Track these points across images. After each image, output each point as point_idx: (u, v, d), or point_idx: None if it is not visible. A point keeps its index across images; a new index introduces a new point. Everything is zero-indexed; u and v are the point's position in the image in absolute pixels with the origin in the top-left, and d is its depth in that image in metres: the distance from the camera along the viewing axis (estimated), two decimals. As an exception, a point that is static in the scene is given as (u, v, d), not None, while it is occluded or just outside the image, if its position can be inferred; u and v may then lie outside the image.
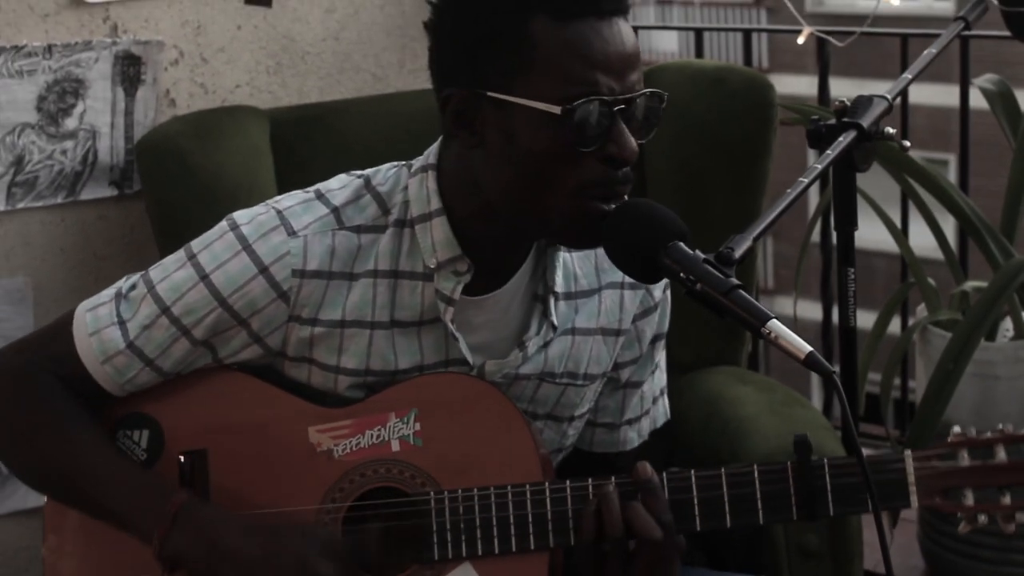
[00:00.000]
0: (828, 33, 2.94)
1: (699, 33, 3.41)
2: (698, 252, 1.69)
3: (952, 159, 11.74)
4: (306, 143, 2.65)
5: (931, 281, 2.76)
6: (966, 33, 2.36)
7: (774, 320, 1.62)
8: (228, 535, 1.74)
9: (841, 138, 2.04)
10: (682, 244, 1.69)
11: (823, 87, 3.16)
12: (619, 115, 1.66)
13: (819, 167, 1.98)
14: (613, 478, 1.75)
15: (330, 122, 2.69)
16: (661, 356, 2.00)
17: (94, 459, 1.81)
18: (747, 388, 2.47)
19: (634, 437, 2.00)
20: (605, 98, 1.65)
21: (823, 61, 3.11)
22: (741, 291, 1.65)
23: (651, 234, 1.70)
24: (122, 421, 1.85)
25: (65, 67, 2.56)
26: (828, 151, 2.02)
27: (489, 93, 1.67)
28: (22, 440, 1.85)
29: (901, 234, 2.85)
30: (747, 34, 3.31)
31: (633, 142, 1.67)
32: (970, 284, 2.74)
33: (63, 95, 2.57)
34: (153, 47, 2.66)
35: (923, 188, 2.69)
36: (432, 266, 1.77)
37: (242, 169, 2.54)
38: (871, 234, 2.82)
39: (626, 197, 1.71)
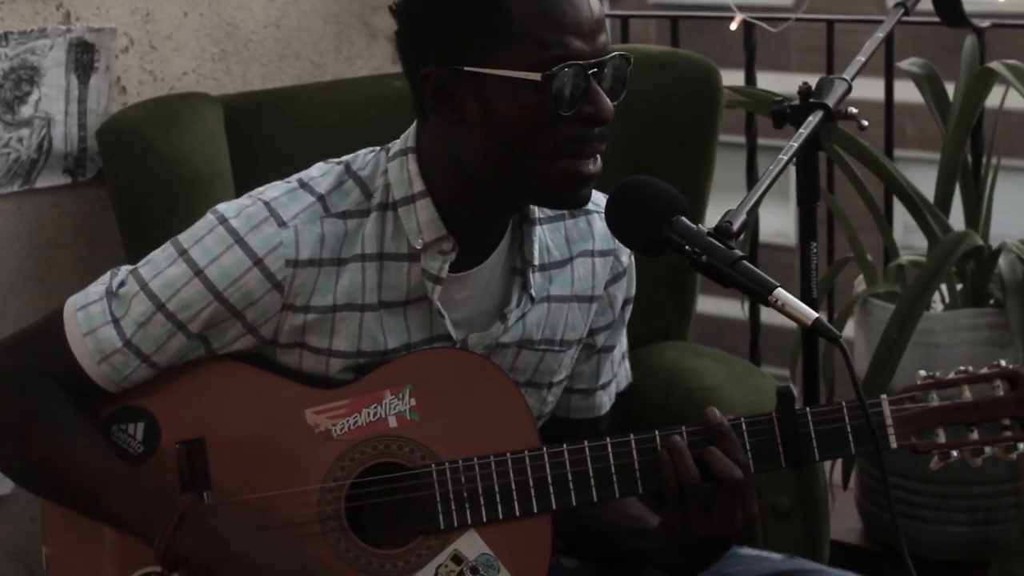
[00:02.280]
0: (760, 19, 3.04)
1: (625, 20, 3.50)
2: (701, 226, 1.77)
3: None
4: (260, 129, 2.68)
5: (868, 257, 2.89)
6: (906, 19, 2.47)
7: (779, 288, 1.72)
8: (235, 540, 1.78)
9: (811, 117, 2.15)
10: (684, 218, 1.78)
11: (750, 72, 3.26)
12: (593, 77, 1.74)
13: (795, 144, 2.09)
14: (683, 427, 1.83)
15: (283, 108, 2.71)
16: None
17: (92, 460, 1.82)
18: (704, 360, 2.56)
19: (607, 401, 2.09)
20: (580, 62, 1.73)
21: (750, 47, 3.21)
22: (745, 262, 1.74)
23: (654, 210, 1.79)
24: (116, 415, 1.87)
25: (21, 55, 2.55)
26: (801, 130, 2.12)
27: (466, 68, 1.74)
28: (17, 442, 1.86)
29: (840, 210, 2.97)
30: (674, 21, 3.40)
31: (608, 102, 1.76)
32: (905, 258, 2.87)
33: (19, 83, 2.57)
34: (106, 34, 2.66)
35: (860, 163, 2.82)
36: (419, 247, 1.83)
37: (202, 155, 2.56)
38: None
39: (599, 158, 1.79)
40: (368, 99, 2.73)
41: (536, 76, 1.72)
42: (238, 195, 1.93)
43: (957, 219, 2.89)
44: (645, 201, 1.80)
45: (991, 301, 2.83)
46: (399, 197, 1.84)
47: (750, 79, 3.24)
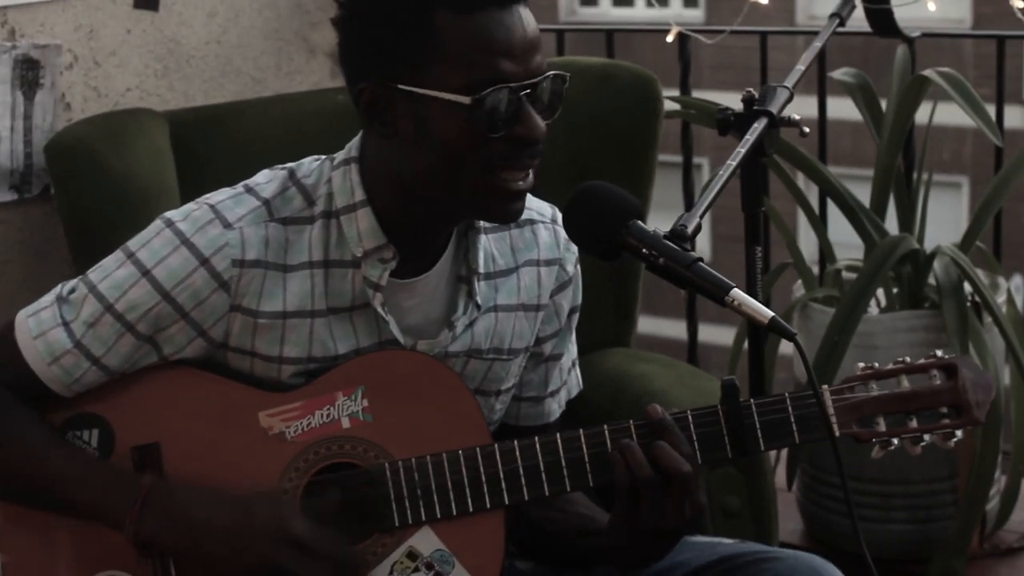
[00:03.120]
0: (696, 31, 3.10)
1: (560, 34, 3.55)
2: (657, 229, 1.82)
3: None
4: (205, 144, 2.69)
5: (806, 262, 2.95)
6: (840, 30, 2.54)
7: (735, 289, 1.76)
8: (200, 510, 1.80)
9: (756, 124, 2.20)
10: (640, 222, 1.82)
11: (684, 84, 3.32)
12: (525, 99, 1.77)
13: (742, 151, 2.14)
14: (631, 421, 1.87)
15: (228, 123, 2.73)
16: (574, 329, 2.13)
17: (51, 454, 1.85)
18: (650, 365, 2.60)
19: (556, 408, 2.12)
20: (511, 85, 1.76)
21: (685, 59, 3.27)
22: (702, 263, 1.79)
23: (611, 215, 1.83)
24: (70, 422, 1.88)
25: (-34, 72, 2.55)
26: (747, 136, 2.17)
27: (399, 86, 1.77)
28: None
29: (780, 218, 3.03)
30: (609, 34, 3.45)
31: (540, 122, 1.79)
32: (842, 262, 2.94)
33: (-35, 100, 2.56)
34: (51, 51, 2.66)
35: (796, 169, 2.88)
36: (359, 255, 1.86)
37: (149, 170, 2.56)
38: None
39: (531, 173, 1.82)
40: (311, 113, 2.75)
41: (466, 99, 1.75)
42: (185, 208, 1.95)
43: (892, 228, 2.96)
44: (602, 206, 1.84)
45: (927, 304, 2.90)
46: (341, 205, 1.87)
47: (684, 91, 3.29)
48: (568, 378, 2.14)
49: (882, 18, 2.72)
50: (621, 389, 2.55)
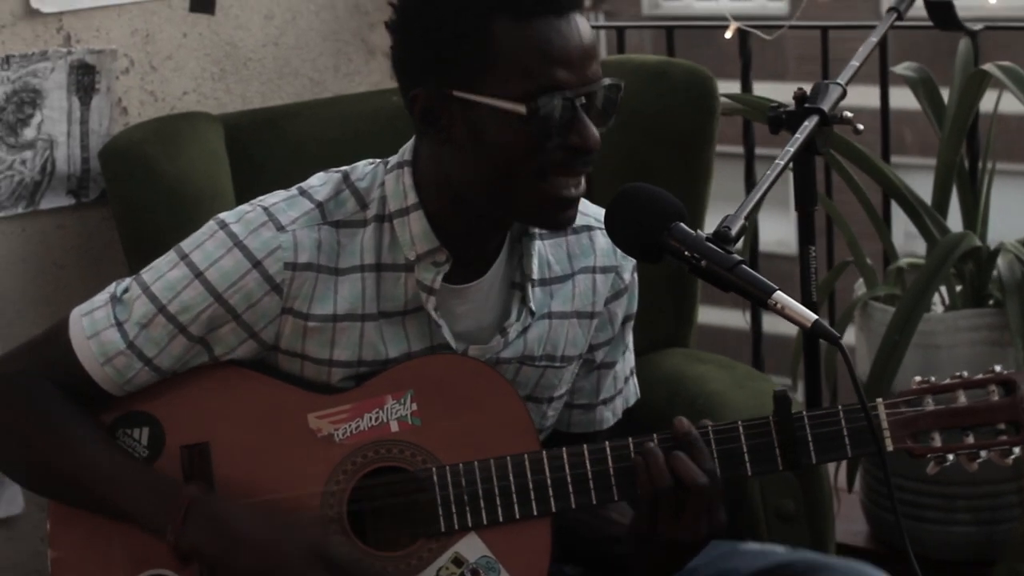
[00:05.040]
0: (754, 27, 3.06)
1: (620, 32, 3.52)
2: (699, 231, 1.79)
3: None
4: (260, 147, 2.70)
5: (868, 260, 2.90)
6: (899, 24, 2.49)
7: (779, 292, 1.73)
8: (240, 524, 1.81)
9: (806, 123, 2.17)
10: (683, 224, 1.80)
11: (745, 79, 3.28)
12: (580, 107, 1.76)
13: (791, 149, 2.10)
14: (655, 434, 1.85)
15: (283, 126, 2.74)
16: (630, 337, 2.10)
17: (98, 458, 1.85)
18: (707, 366, 2.57)
19: (609, 416, 2.10)
20: (567, 93, 1.74)
21: (745, 55, 3.23)
22: (744, 266, 1.76)
23: (653, 216, 1.81)
24: (121, 420, 1.89)
25: (23, 77, 2.58)
26: (796, 135, 2.14)
27: (454, 92, 1.76)
28: (24, 445, 1.89)
29: (840, 215, 2.98)
30: (670, 31, 3.42)
31: (595, 131, 1.78)
32: (904, 260, 2.89)
33: (21, 105, 2.59)
34: (106, 56, 2.68)
35: (856, 167, 2.83)
36: (412, 258, 1.85)
37: (204, 174, 2.58)
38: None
39: (583, 180, 1.82)
40: (367, 114, 2.75)
41: (521, 108, 1.73)
42: (240, 210, 1.95)
43: (955, 223, 2.90)
44: (644, 208, 1.82)
45: (990, 302, 2.85)
46: (394, 209, 1.86)
47: (746, 87, 3.25)
48: (624, 387, 2.11)
49: (944, 12, 2.66)
50: (677, 391, 2.53)
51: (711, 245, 1.78)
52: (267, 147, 2.69)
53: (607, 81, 1.79)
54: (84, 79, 2.66)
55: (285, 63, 2.99)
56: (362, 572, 1.81)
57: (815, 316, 1.71)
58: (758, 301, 1.74)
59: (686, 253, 1.77)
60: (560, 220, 1.83)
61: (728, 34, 2.99)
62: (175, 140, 2.58)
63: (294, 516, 1.83)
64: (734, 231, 1.84)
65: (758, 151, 3.32)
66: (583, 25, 1.78)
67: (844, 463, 3.00)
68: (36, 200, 2.65)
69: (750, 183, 3.35)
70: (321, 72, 3.05)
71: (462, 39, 1.75)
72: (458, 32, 1.75)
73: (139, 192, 2.51)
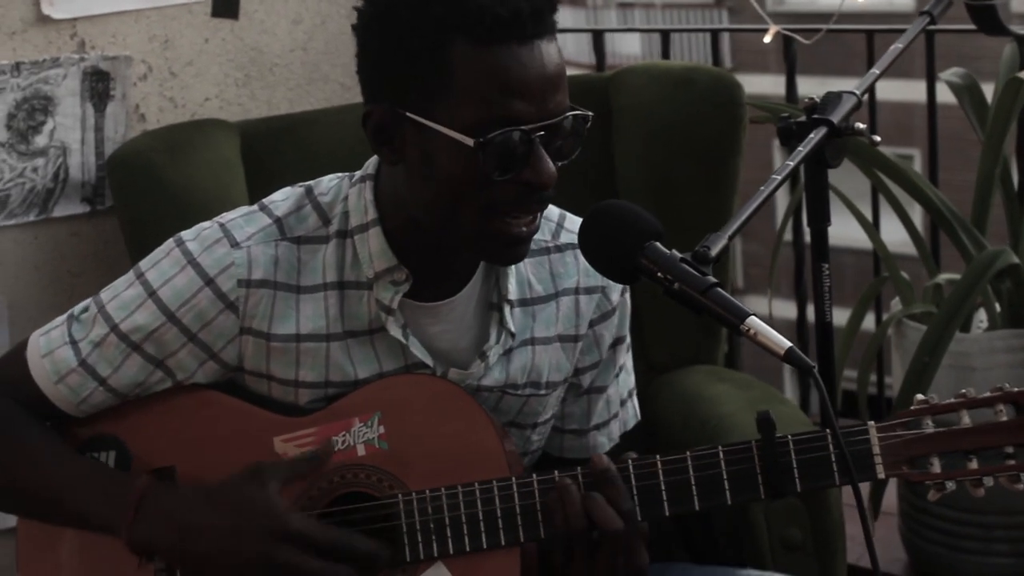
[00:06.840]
0: (794, 31, 2.95)
1: (665, 35, 3.42)
2: (675, 252, 1.70)
3: (917, 154, 11.79)
4: (276, 155, 2.65)
5: (904, 275, 2.78)
6: (931, 28, 2.37)
7: (752, 317, 1.64)
8: (194, 511, 1.75)
9: (812, 135, 2.05)
10: (658, 244, 1.70)
11: (791, 85, 3.17)
12: (538, 141, 1.65)
13: (791, 164, 2.00)
14: (579, 468, 1.76)
15: (300, 133, 2.69)
16: (626, 359, 2.00)
17: (53, 464, 1.82)
18: (725, 386, 2.48)
19: (604, 441, 2.00)
20: (523, 128, 1.64)
21: (789, 59, 3.12)
22: (719, 289, 1.66)
23: (627, 236, 1.71)
24: (87, 443, 1.86)
25: (34, 84, 2.55)
26: (800, 148, 2.03)
27: (408, 114, 1.67)
28: None
29: (873, 229, 2.86)
30: (714, 34, 3.32)
31: (551, 167, 1.67)
32: (943, 276, 2.76)
33: (32, 112, 2.57)
34: (121, 62, 2.65)
35: (893, 182, 2.71)
36: (371, 276, 1.78)
37: (213, 183, 2.53)
38: (842, 231, 2.84)
39: (538, 216, 1.72)
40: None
41: (470, 141, 1.63)
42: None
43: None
44: (618, 227, 1.72)
45: (1031, 322, 2.71)
46: (355, 224, 1.80)
47: (791, 92, 3.14)
48: (621, 411, 2.02)
49: (986, 15, 2.53)
50: (691, 411, 2.44)
51: (686, 267, 1.68)
52: (282, 154, 2.64)
53: (571, 113, 1.69)
54: (98, 85, 2.63)
55: (314, 68, 2.94)
56: (327, 540, 1.74)
57: (789, 344, 1.61)
58: (731, 326, 1.64)
59: (659, 274, 1.68)
60: (506, 257, 1.74)
61: (767, 38, 2.88)
62: (184, 148, 2.54)
63: (250, 496, 1.76)
64: (714, 252, 1.74)
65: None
66: (548, 52, 1.66)
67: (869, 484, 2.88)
68: (49, 208, 2.62)
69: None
70: (352, 78, 2.96)
71: (417, 59, 1.65)
72: (414, 51, 1.65)
73: (144, 200, 2.48)
